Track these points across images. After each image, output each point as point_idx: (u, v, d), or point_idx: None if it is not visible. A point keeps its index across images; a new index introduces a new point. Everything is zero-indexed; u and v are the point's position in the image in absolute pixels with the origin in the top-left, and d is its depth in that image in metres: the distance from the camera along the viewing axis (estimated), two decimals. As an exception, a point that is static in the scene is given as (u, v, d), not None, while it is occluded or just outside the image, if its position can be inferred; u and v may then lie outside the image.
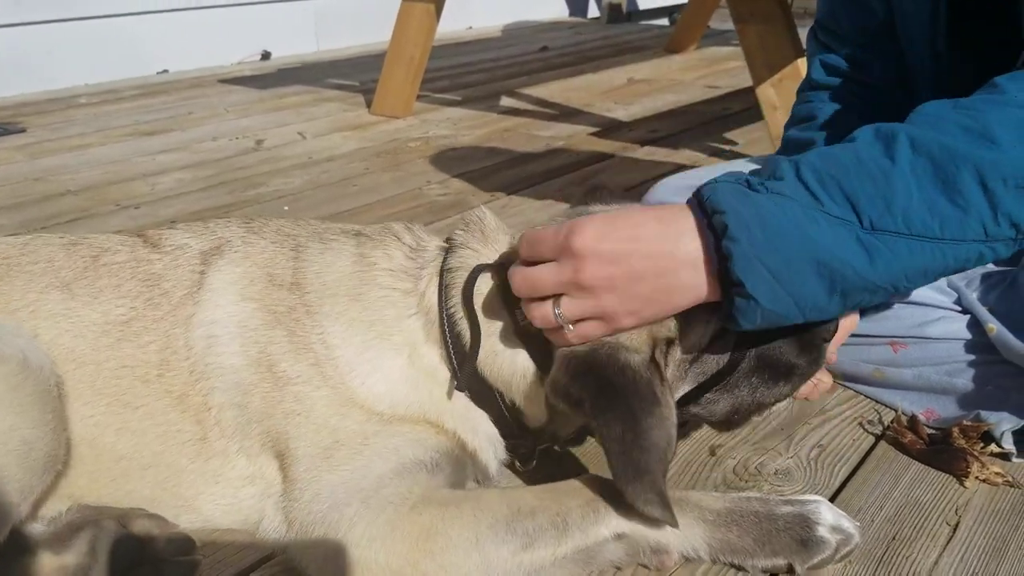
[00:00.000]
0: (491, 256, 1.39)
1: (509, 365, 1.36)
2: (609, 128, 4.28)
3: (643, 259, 1.21)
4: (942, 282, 1.84)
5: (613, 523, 1.25)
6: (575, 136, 4.13)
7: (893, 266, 1.18)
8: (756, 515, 1.29)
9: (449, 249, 1.41)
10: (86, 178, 3.50)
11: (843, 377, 1.84)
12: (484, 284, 1.36)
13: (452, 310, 1.36)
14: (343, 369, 1.35)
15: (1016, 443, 1.60)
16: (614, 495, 1.26)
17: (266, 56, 6.33)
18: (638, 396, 1.21)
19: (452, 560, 1.19)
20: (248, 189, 3.35)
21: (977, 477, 1.54)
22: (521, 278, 1.27)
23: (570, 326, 1.24)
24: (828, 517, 1.29)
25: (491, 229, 1.43)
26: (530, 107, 4.79)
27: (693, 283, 1.22)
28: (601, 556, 1.27)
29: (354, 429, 1.31)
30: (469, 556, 1.20)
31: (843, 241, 1.17)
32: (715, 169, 2.29)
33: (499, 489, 1.34)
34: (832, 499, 1.51)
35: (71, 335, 1.37)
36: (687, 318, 1.28)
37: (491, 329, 1.35)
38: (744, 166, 2.13)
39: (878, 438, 1.68)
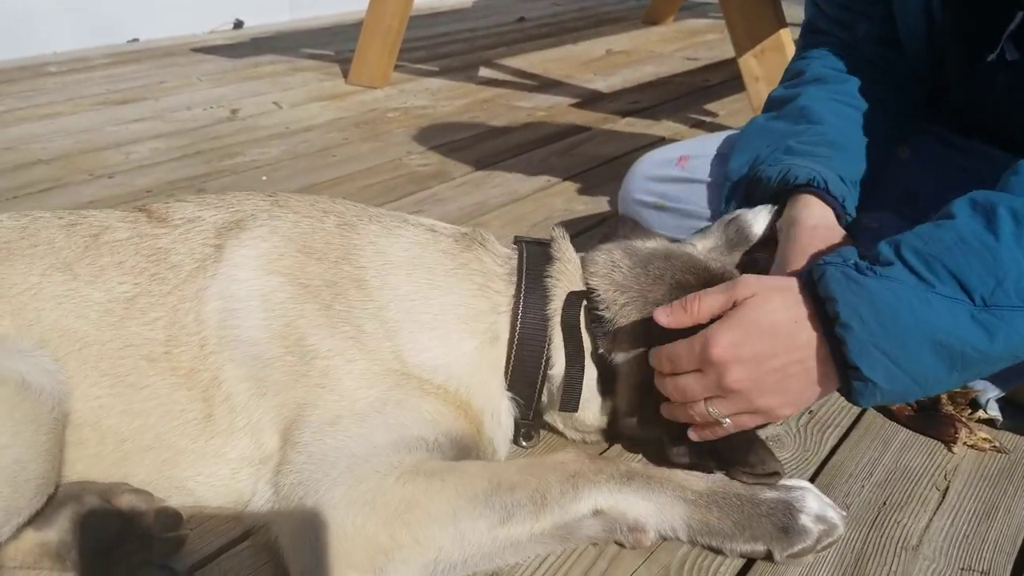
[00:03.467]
0: (576, 277, 1.46)
1: (585, 384, 1.43)
2: (589, 99, 4.25)
3: (782, 355, 1.24)
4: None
5: (592, 499, 1.25)
6: (556, 107, 4.10)
7: (1014, 339, 1.18)
8: (739, 498, 1.28)
9: (540, 262, 1.46)
10: (58, 147, 3.42)
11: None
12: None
13: (549, 322, 1.42)
14: (401, 341, 1.35)
15: (1001, 410, 1.61)
16: (594, 471, 1.26)
17: (238, 25, 6.22)
18: None
19: (427, 533, 1.19)
20: (224, 159, 3.30)
21: (965, 443, 1.55)
22: (672, 387, 1.32)
23: (727, 420, 1.30)
24: (813, 506, 1.28)
25: (570, 250, 1.50)
26: (509, 78, 4.75)
27: (815, 378, 1.26)
28: (579, 532, 1.27)
29: (375, 397, 1.30)
30: (445, 530, 1.19)
31: (959, 320, 1.17)
32: (698, 141, 2.28)
33: (481, 463, 1.33)
34: (822, 465, 1.51)
35: (74, 316, 1.33)
36: None
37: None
38: (720, 137, 2.12)
39: (866, 405, 1.69)
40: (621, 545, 1.29)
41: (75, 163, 3.24)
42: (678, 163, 2.13)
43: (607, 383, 1.44)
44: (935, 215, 1.31)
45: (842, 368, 1.22)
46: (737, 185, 1.83)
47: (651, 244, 1.54)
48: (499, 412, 1.42)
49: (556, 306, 1.43)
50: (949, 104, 1.86)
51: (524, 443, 1.52)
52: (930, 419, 1.60)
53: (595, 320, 1.43)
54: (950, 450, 1.55)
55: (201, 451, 1.34)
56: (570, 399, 1.43)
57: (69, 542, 1.26)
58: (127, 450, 1.33)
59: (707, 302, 1.30)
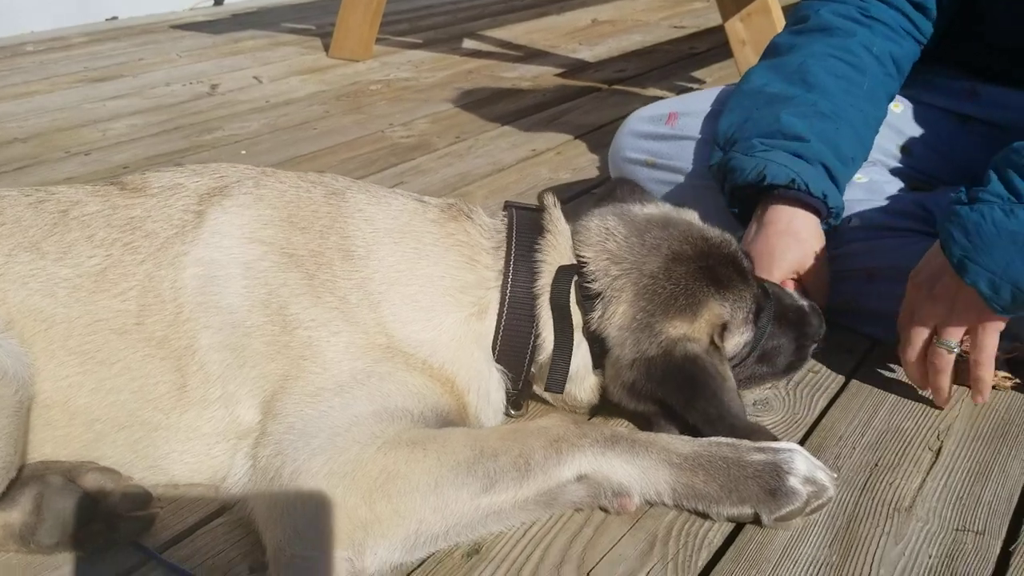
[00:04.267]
0: (565, 249, 1.42)
1: (577, 359, 1.41)
2: (575, 69, 4.19)
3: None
4: (915, 206, 1.82)
5: (575, 464, 1.22)
6: (541, 77, 4.04)
7: None
8: (725, 461, 1.25)
9: (529, 236, 1.42)
10: (34, 125, 3.36)
11: (820, 308, 1.82)
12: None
13: (538, 299, 1.38)
14: (385, 313, 1.31)
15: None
16: (578, 436, 1.23)
17: (219, 2, 6.13)
18: (712, 379, 1.34)
19: (408, 504, 1.15)
20: (204, 134, 3.24)
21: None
22: (905, 348, 1.50)
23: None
24: (802, 467, 1.25)
25: (560, 220, 1.46)
26: (493, 49, 4.68)
27: None
28: (563, 498, 1.23)
29: (359, 368, 1.26)
30: (426, 500, 1.16)
31: None
32: (688, 98, 2.24)
33: (465, 430, 1.29)
34: (812, 428, 1.48)
35: (41, 295, 1.28)
36: (734, 304, 1.41)
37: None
38: (718, 92, 2.07)
39: (857, 367, 1.65)
40: (606, 511, 1.26)
41: (52, 141, 3.18)
42: (668, 121, 2.09)
43: (599, 358, 1.40)
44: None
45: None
46: (723, 147, 1.79)
47: (649, 210, 1.50)
48: (487, 388, 1.39)
49: (545, 282, 1.39)
50: (974, 46, 1.82)
51: (513, 412, 1.48)
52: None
53: (587, 295, 1.39)
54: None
55: (175, 425, 1.29)
56: (555, 380, 1.39)
57: (33, 523, 1.21)
58: (99, 430, 1.29)
59: None
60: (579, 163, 2.88)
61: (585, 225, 1.45)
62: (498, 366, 1.39)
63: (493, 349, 1.39)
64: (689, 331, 1.36)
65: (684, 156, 2.02)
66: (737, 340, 1.44)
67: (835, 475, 1.29)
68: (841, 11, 1.84)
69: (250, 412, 1.28)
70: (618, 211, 1.49)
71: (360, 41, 4.34)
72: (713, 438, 1.29)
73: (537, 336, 1.38)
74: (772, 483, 1.23)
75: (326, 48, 4.53)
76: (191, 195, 1.38)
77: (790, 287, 1.63)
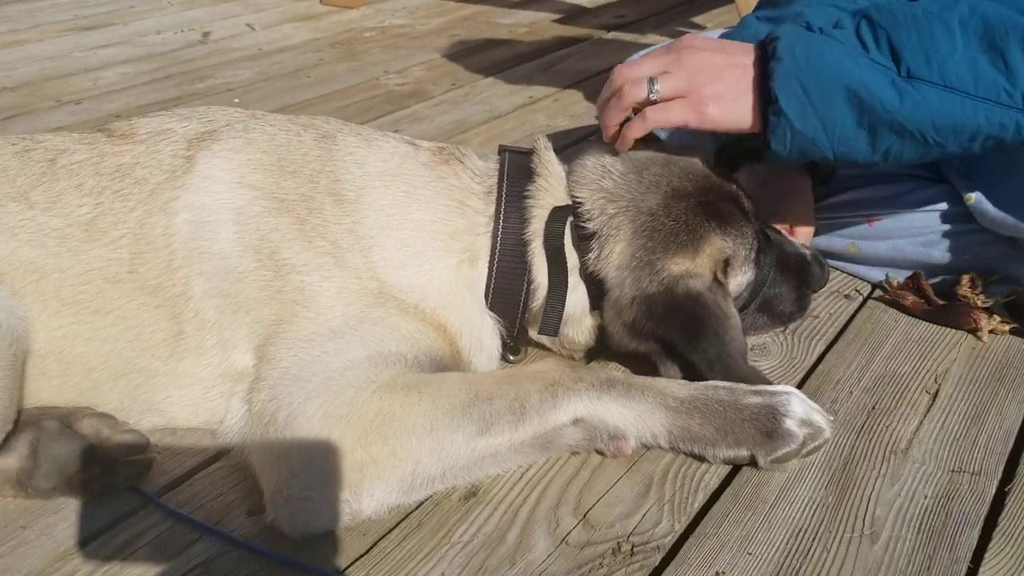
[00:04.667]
0: (559, 191, 1.39)
1: (573, 301, 1.38)
2: (573, 15, 4.12)
3: (727, 61, 1.36)
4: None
5: (571, 407, 1.22)
6: (538, 23, 3.97)
7: (922, 110, 1.27)
8: (721, 404, 1.24)
9: (520, 180, 1.40)
10: (22, 74, 3.30)
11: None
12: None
13: (530, 245, 1.36)
14: (375, 257, 1.30)
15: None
16: (573, 380, 1.23)
17: (210, -52, 5.99)
18: (715, 318, 1.32)
19: (404, 445, 1.15)
20: (195, 82, 3.19)
21: (992, 331, 1.54)
22: (625, 66, 1.41)
23: (656, 90, 1.37)
24: (798, 410, 1.24)
25: (552, 162, 1.43)
26: (490, -5, 4.60)
27: (749, 91, 1.35)
28: (559, 441, 1.23)
29: (352, 314, 1.26)
30: (422, 442, 1.16)
31: (878, 81, 1.27)
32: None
33: (460, 374, 1.29)
34: (809, 373, 1.48)
35: (31, 246, 1.27)
36: (736, 240, 1.39)
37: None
38: (717, 35, 2.03)
39: (855, 313, 1.65)
40: (602, 454, 1.26)
41: (41, 90, 3.13)
42: None
43: (597, 300, 1.38)
44: None
45: (764, 102, 1.32)
46: None
47: (656, 155, 1.45)
48: (479, 335, 1.38)
49: (537, 226, 1.36)
50: None
51: (511, 357, 1.48)
52: (949, 310, 1.57)
53: (582, 235, 1.36)
54: (979, 339, 1.53)
55: (172, 372, 1.29)
56: (549, 324, 1.38)
57: (30, 468, 1.21)
58: (96, 379, 1.29)
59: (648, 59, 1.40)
60: (576, 110, 2.85)
61: (581, 164, 1.43)
62: (491, 313, 1.38)
63: (486, 296, 1.37)
64: (691, 267, 1.34)
65: None
66: (740, 279, 1.42)
67: (832, 417, 1.29)
68: None
69: (246, 357, 1.28)
70: (622, 156, 1.45)
71: (354, -13, 4.26)
72: (710, 382, 1.28)
73: (531, 282, 1.37)
74: (768, 425, 1.22)
75: (320, -5, 4.45)
76: (180, 140, 1.36)
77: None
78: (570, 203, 1.38)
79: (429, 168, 1.40)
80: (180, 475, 1.28)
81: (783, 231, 1.61)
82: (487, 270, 1.37)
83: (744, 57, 1.36)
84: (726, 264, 1.39)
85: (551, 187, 1.40)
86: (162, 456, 1.30)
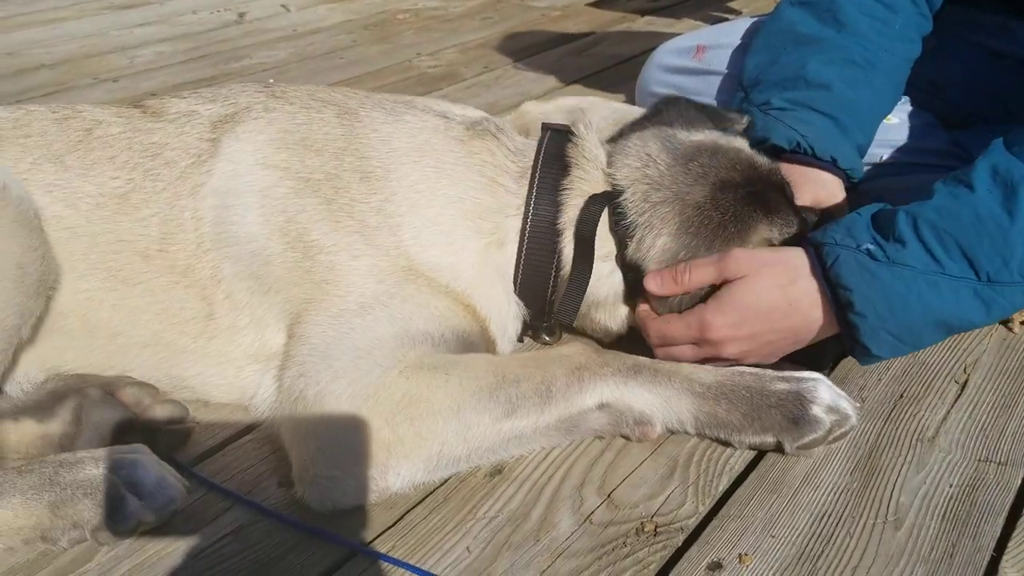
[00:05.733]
0: (597, 178, 1.37)
1: (607, 287, 1.38)
2: (607, -1, 4.11)
3: (777, 331, 1.29)
4: (950, 144, 1.79)
5: (597, 392, 1.22)
6: (572, 6, 3.96)
7: (1006, 309, 1.26)
8: (748, 390, 1.24)
9: (556, 163, 1.38)
10: (61, 52, 3.36)
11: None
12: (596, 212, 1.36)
13: (563, 233, 1.35)
14: (404, 235, 1.30)
15: None
16: (600, 364, 1.23)
17: (246, -72, 6.03)
18: None
19: (430, 426, 1.17)
20: (231, 62, 3.22)
21: (1022, 322, 1.53)
22: (664, 355, 1.34)
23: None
24: (825, 396, 1.24)
25: (592, 146, 1.40)
26: (524, -22, 4.59)
27: (818, 331, 1.30)
28: (584, 425, 1.24)
29: (382, 291, 1.26)
30: (448, 423, 1.17)
31: (963, 300, 1.23)
32: (716, 30, 2.19)
33: (487, 356, 1.30)
34: (838, 360, 1.47)
35: (63, 204, 1.30)
36: (782, 230, 1.36)
37: (597, 255, 1.36)
38: (748, 23, 2.03)
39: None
40: (627, 439, 1.27)
41: (79, 67, 3.17)
42: (695, 54, 2.05)
43: (635, 288, 1.37)
44: (953, 175, 1.30)
45: (849, 341, 1.28)
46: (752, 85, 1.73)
47: (696, 136, 1.41)
48: (504, 319, 1.38)
49: (572, 215, 1.35)
50: None
51: (547, 338, 1.48)
52: None
53: (621, 224, 1.34)
54: (1010, 330, 1.53)
55: (203, 351, 1.32)
56: (566, 311, 1.37)
57: (72, 434, 1.25)
58: (121, 344, 1.32)
59: (697, 275, 1.29)
60: (608, 94, 2.83)
61: (623, 150, 1.39)
62: (517, 299, 1.39)
63: (514, 281, 1.37)
64: None
65: (711, 91, 1.98)
66: None
67: (858, 405, 1.29)
68: None
69: (278, 336, 1.30)
70: (662, 135, 1.41)
71: (388, -31, 4.27)
72: (736, 368, 1.29)
73: (560, 269, 1.36)
74: (795, 411, 1.23)
75: (354, -24, 4.47)
76: (205, 123, 1.37)
77: None
78: (609, 190, 1.36)
79: (461, 143, 1.38)
80: (213, 446, 1.31)
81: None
82: (515, 254, 1.36)
83: (793, 321, 1.28)
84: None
85: (588, 174, 1.37)
86: (196, 428, 1.33)
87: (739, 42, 1.98)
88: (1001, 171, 1.25)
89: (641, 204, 1.34)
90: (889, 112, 1.76)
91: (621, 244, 1.35)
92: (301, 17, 3.84)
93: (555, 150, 1.40)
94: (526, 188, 1.37)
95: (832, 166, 1.60)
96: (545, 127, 1.44)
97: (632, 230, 1.34)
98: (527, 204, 1.36)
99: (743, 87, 1.74)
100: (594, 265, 1.35)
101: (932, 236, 1.23)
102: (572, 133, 1.42)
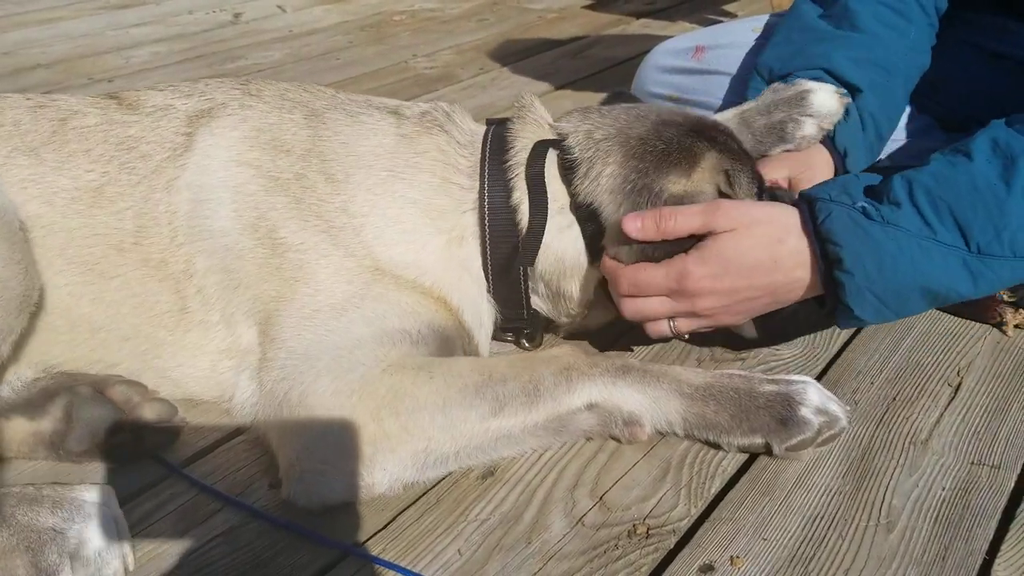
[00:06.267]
0: (542, 133, 1.38)
1: (568, 242, 1.36)
2: (604, 1, 4.11)
3: (757, 288, 1.26)
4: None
5: (586, 392, 1.22)
6: (568, 9, 3.97)
7: (994, 284, 1.24)
8: (736, 391, 1.24)
9: (502, 147, 1.37)
10: (57, 52, 3.36)
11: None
12: (547, 162, 1.36)
13: (518, 210, 1.34)
14: (367, 236, 1.30)
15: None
16: (588, 365, 1.23)
17: (243, -71, 6.03)
18: None
19: (416, 421, 1.16)
20: (227, 62, 3.22)
21: (1016, 326, 1.53)
22: (633, 308, 1.31)
23: (685, 336, 1.36)
24: (814, 398, 1.23)
25: (543, 112, 1.42)
26: (521, -20, 4.60)
27: (800, 292, 1.28)
28: (573, 425, 1.23)
29: (353, 291, 1.26)
30: (434, 419, 1.17)
31: (951, 268, 1.22)
32: (713, 31, 2.19)
33: (472, 358, 1.30)
34: (832, 362, 1.47)
35: (39, 201, 1.30)
36: (733, 161, 1.33)
37: (553, 208, 1.35)
38: (749, 24, 2.02)
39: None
40: (617, 440, 1.27)
41: (75, 67, 3.17)
42: (694, 55, 2.05)
43: (595, 240, 1.34)
44: (952, 147, 1.28)
45: (832, 301, 1.26)
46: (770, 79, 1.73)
47: (643, 104, 1.46)
48: (479, 311, 1.37)
49: (521, 194, 1.34)
50: None
51: (527, 344, 1.49)
52: (974, 303, 1.52)
53: (570, 167, 1.34)
54: (1004, 333, 1.52)
55: (180, 343, 1.32)
56: (527, 253, 1.33)
57: (63, 431, 1.25)
58: (103, 338, 1.32)
59: (683, 222, 1.24)
60: (603, 97, 2.84)
61: (567, 112, 1.43)
62: (489, 297, 1.39)
63: (485, 276, 1.37)
64: (689, 185, 1.30)
65: (711, 91, 1.98)
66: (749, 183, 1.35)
67: (848, 407, 1.28)
68: None
69: (249, 332, 1.30)
70: (589, 111, 1.44)
71: (385, -30, 4.27)
72: (725, 371, 1.29)
73: (518, 222, 1.35)
74: (783, 413, 1.22)
75: (350, -23, 4.47)
76: (181, 117, 1.37)
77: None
78: (554, 137, 1.37)
79: (409, 141, 1.37)
80: (204, 447, 1.30)
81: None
82: (479, 248, 1.36)
83: (776, 278, 1.25)
84: (728, 177, 1.32)
85: (534, 133, 1.38)
86: (186, 429, 1.32)
87: (738, 41, 1.97)
88: (1001, 143, 1.24)
89: (585, 142, 1.35)
90: (900, 117, 1.76)
91: (571, 186, 1.34)
92: (297, 18, 3.84)
93: (500, 133, 1.40)
94: (478, 182, 1.36)
95: (840, 159, 1.60)
96: (489, 121, 1.45)
97: (578, 165, 1.33)
98: (480, 198, 1.35)
99: (762, 77, 1.72)
100: (551, 217, 1.34)
101: (926, 201, 1.21)
102: (518, 107, 1.44)
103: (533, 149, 1.35)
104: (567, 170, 1.34)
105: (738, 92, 1.88)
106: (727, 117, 1.62)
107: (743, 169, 1.33)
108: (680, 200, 1.28)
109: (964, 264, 1.21)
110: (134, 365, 1.34)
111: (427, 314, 1.29)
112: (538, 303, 1.44)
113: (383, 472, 1.15)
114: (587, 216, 1.33)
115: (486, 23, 3.74)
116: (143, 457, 1.27)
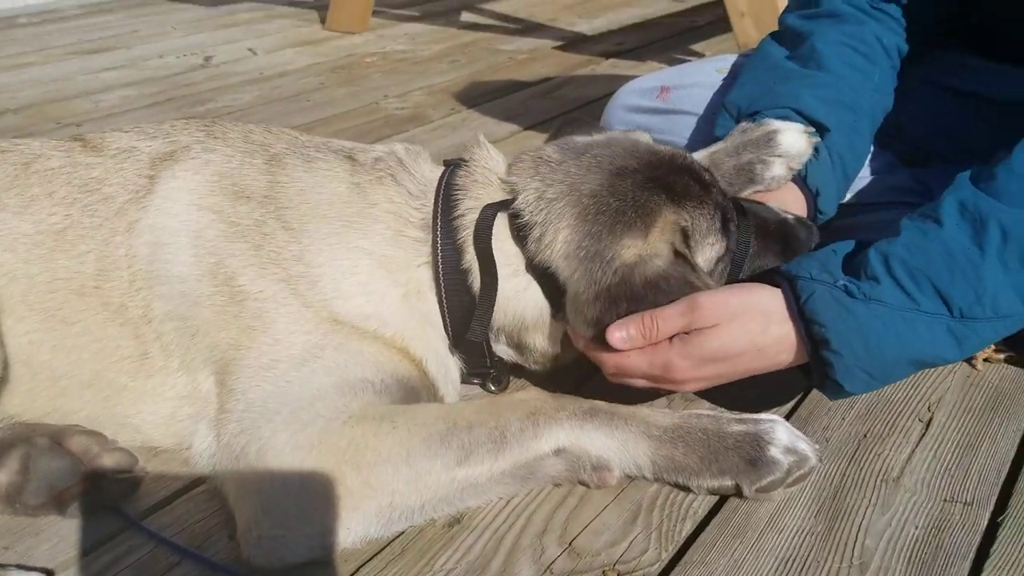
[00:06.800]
0: (492, 192, 1.35)
1: (529, 303, 1.34)
2: (573, 42, 4.14)
3: (740, 373, 1.28)
4: (913, 181, 1.81)
5: (553, 437, 1.19)
6: (538, 50, 3.99)
7: (977, 345, 1.25)
8: (705, 432, 1.22)
9: (455, 192, 1.35)
10: (26, 96, 3.33)
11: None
12: (497, 226, 1.33)
13: (466, 264, 1.32)
14: (325, 287, 1.27)
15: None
16: (555, 408, 1.21)
17: (216, -26, 6.06)
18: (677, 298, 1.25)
19: (379, 475, 1.13)
20: (196, 105, 3.21)
21: (986, 359, 1.53)
22: (617, 382, 1.32)
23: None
24: (783, 438, 1.22)
25: (495, 162, 1.39)
26: (492, 22, 4.64)
27: (785, 367, 1.29)
28: (540, 472, 1.21)
29: (313, 342, 1.23)
30: (398, 471, 1.13)
31: (937, 337, 1.22)
32: (679, 71, 2.20)
33: (436, 404, 1.28)
34: (802, 399, 1.46)
35: (1, 248, 1.27)
36: (693, 211, 1.32)
37: (507, 272, 1.33)
38: (713, 64, 2.04)
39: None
40: (586, 485, 1.24)
41: (43, 112, 3.15)
42: (659, 95, 2.06)
43: (557, 298, 1.31)
44: (920, 211, 1.29)
45: (819, 377, 1.26)
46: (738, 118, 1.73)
47: (594, 137, 1.41)
48: (443, 362, 1.35)
49: (472, 259, 1.32)
50: (973, 25, 1.79)
51: (493, 388, 1.45)
52: None
53: (521, 228, 1.31)
54: (974, 367, 1.52)
55: (140, 389, 1.29)
56: (477, 328, 1.32)
57: (19, 483, 1.21)
58: (64, 386, 1.28)
59: (665, 327, 1.24)
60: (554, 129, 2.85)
61: (519, 158, 1.38)
62: (451, 347, 1.37)
63: (446, 330, 1.35)
64: (644, 248, 1.26)
65: (676, 130, 1.98)
66: (708, 253, 1.35)
67: (818, 446, 1.27)
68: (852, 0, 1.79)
69: (208, 381, 1.27)
70: (559, 142, 1.40)
71: (356, 14, 4.30)
72: (693, 411, 1.27)
73: (470, 286, 1.33)
74: (752, 453, 1.21)
75: (322, 21, 4.49)
76: (144, 159, 1.36)
77: None
78: (505, 198, 1.33)
79: (361, 191, 1.34)
80: (164, 498, 1.27)
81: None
82: (437, 302, 1.34)
83: (759, 363, 1.27)
84: (685, 236, 1.31)
85: (484, 189, 1.35)
86: (147, 479, 1.29)
87: (703, 81, 1.98)
88: (969, 206, 1.24)
89: (536, 203, 1.31)
90: (866, 159, 1.77)
91: (526, 251, 1.32)
92: (268, 60, 3.84)
93: (451, 186, 1.36)
94: (431, 236, 1.33)
95: (812, 197, 1.60)
96: (446, 163, 1.42)
97: (531, 229, 1.30)
98: (434, 253, 1.32)
99: (731, 114, 1.72)
100: (507, 280, 1.32)
101: (904, 273, 1.22)
102: (468, 159, 1.40)
103: (481, 214, 1.32)
104: (520, 231, 1.31)
105: (704, 132, 1.89)
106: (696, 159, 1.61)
107: (702, 215, 1.32)
108: (633, 266, 1.25)
109: (949, 331, 1.22)
110: (95, 412, 1.31)
111: (390, 364, 1.26)
112: (504, 351, 1.42)
113: (346, 531, 1.12)
114: (544, 276, 1.31)
115: (457, 64, 3.75)
116: (102, 508, 1.23)
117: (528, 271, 1.33)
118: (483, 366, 1.40)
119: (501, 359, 1.42)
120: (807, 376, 1.29)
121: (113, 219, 1.30)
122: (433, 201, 1.35)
